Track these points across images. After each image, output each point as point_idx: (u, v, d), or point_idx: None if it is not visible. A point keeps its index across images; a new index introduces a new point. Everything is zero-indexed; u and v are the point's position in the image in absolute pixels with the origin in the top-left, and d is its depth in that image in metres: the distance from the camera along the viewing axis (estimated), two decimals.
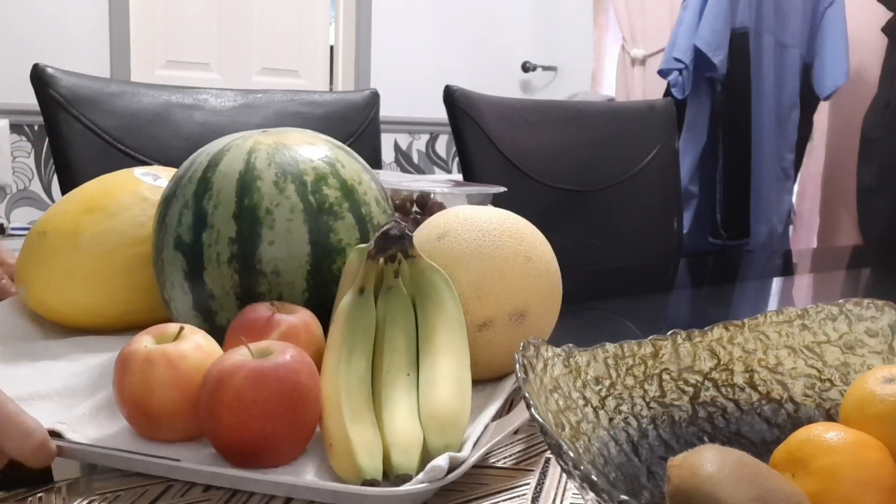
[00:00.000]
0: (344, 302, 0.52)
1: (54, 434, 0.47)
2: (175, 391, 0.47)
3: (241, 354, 0.47)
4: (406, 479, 0.44)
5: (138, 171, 0.71)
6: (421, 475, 0.43)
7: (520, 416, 0.51)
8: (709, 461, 0.34)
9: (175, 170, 0.73)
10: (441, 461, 0.44)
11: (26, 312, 0.69)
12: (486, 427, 0.52)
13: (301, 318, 0.54)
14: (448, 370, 0.51)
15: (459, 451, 0.46)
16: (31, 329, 0.67)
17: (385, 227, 0.53)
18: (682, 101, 2.23)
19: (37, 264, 0.65)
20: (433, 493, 0.45)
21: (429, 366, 0.51)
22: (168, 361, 0.47)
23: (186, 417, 0.48)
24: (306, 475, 0.46)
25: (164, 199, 0.61)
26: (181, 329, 0.50)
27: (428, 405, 0.49)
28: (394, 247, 0.54)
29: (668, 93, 2.26)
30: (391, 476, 0.45)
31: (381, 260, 0.54)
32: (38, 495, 0.45)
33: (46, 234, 0.66)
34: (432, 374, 0.50)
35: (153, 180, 0.70)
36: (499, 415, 0.56)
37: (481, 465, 0.50)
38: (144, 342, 0.49)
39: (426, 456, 0.46)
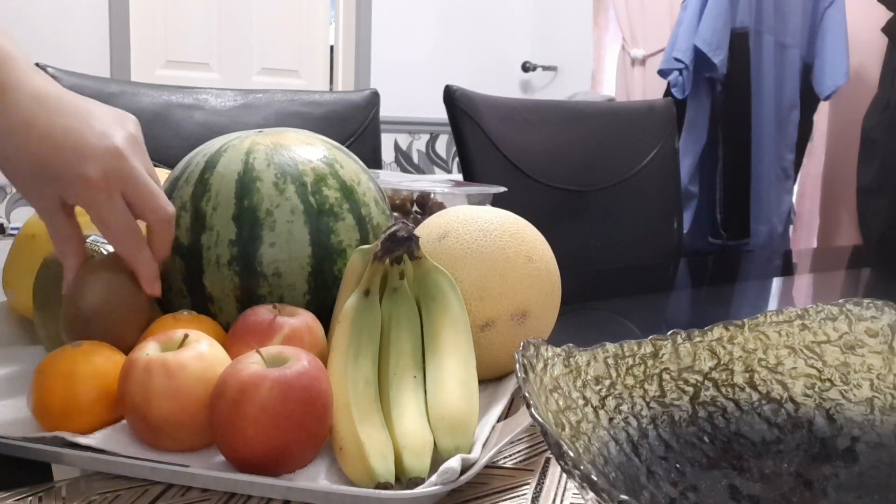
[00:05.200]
0: (349, 303, 0.52)
1: (58, 439, 0.47)
2: (173, 402, 0.46)
3: (254, 362, 0.46)
4: (418, 481, 0.44)
5: None
6: (434, 478, 0.43)
7: (526, 415, 0.51)
8: None
9: (165, 170, 0.73)
10: (453, 463, 0.44)
11: (14, 317, 0.69)
12: (493, 427, 0.52)
13: (304, 320, 0.54)
14: (455, 372, 0.51)
15: (469, 452, 0.46)
16: (19, 334, 0.67)
17: (392, 229, 0.53)
18: (682, 101, 2.23)
19: (26, 268, 0.64)
20: (446, 495, 0.45)
21: (435, 367, 0.51)
22: (167, 372, 0.46)
23: (186, 429, 0.47)
24: (318, 479, 0.46)
25: None
26: (185, 336, 0.49)
27: (437, 407, 0.48)
28: (401, 248, 0.53)
29: (668, 93, 2.26)
30: (403, 479, 0.45)
31: (388, 261, 0.53)
32: (38, 495, 0.45)
33: (35, 237, 0.65)
34: (439, 376, 0.50)
35: None
36: (504, 415, 0.56)
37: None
38: (148, 349, 0.48)
39: (436, 458, 0.46)
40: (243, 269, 0.56)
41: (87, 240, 0.60)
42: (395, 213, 0.84)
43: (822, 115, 2.49)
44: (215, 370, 0.47)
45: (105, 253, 0.59)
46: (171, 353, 0.48)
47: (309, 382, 0.45)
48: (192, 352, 0.48)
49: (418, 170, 3.42)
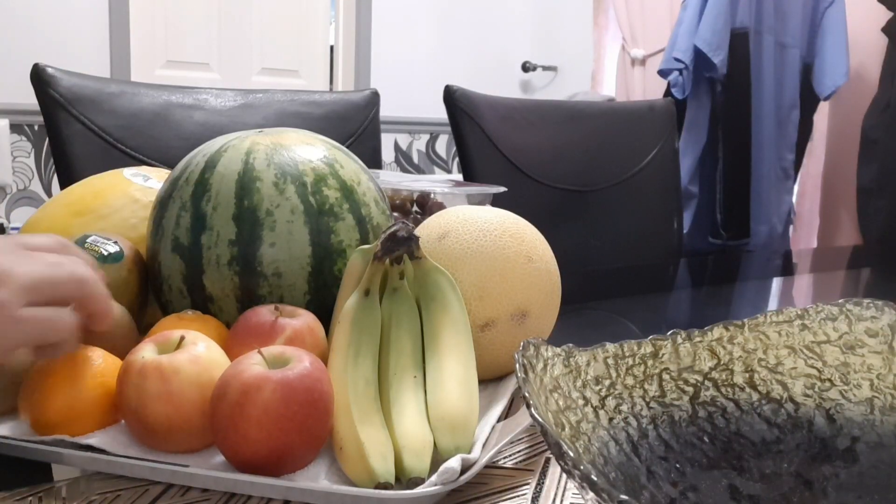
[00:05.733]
0: (349, 303, 0.52)
1: (58, 439, 0.47)
2: (168, 406, 0.46)
3: (255, 363, 0.46)
4: (418, 481, 0.44)
5: (128, 171, 0.71)
6: (434, 477, 0.43)
7: (526, 416, 0.51)
8: None
9: (165, 170, 0.73)
10: (454, 463, 0.44)
11: None
12: (493, 427, 0.52)
13: (305, 321, 0.53)
14: (455, 371, 0.51)
15: (469, 452, 0.46)
16: None
17: (393, 229, 0.53)
18: (682, 101, 2.23)
19: None
20: (446, 495, 0.45)
21: (435, 367, 0.51)
22: (161, 375, 0.46)
23: (181, 432, 0.47)
24: (318, 479, 0.46)
25: (159, 201, 0.60)
26: (182, 338, 0.49)
27: (437, 407, 0.48)
28: (401, 248, 0.53)
29: (668, 93, 2.26)
30: (403, 479, 0.45)
31: (388, 261, 0.53)
32: (38, 495, 0.45)
33: None
34: (439, 376, 0.50)
35: (144, 181, 0.69)
36: (504, 415, 0.56)
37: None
38: (144, 351, 0.48)
39: (436, 458, 0.46)
40: (243, 269, 0.56)
41: (88, 240, 0.60)
42: (395, 213, 0.84)
43: (822, 115, 2.49)
44: (211, 373, 0.47)
45: (105, 254, 0.59)
46: (167, 356, 0.47)
47: (311, 384, 0.45)
48: (187, 355, 0.47)
49: (418, 170, 3.42)
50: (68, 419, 0.48)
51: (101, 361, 0.49)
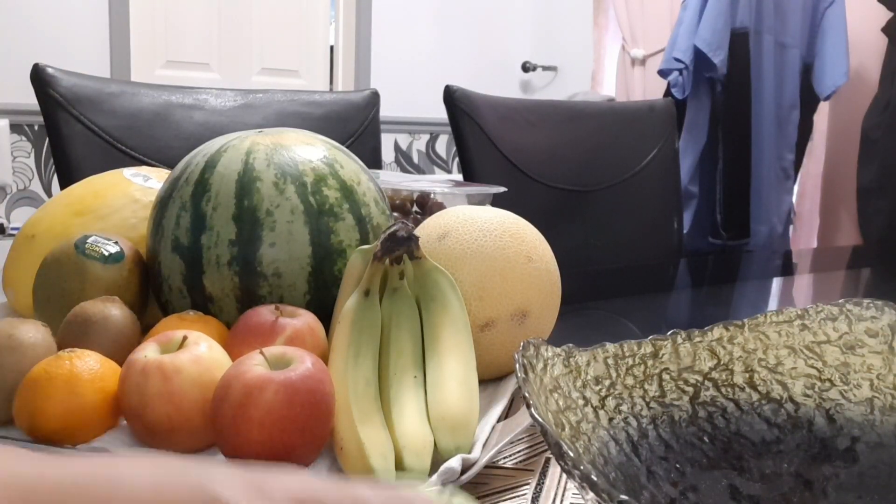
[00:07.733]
0: (349, 303, 0.52)
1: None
2: (169, 405, 0.46)
3: (256, 363, 0.45)
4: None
5: (128, 171, 0.71)
6: (434, 477, 0.43)
7: (526, 415, 0.51)
8: None
9: (165, 170, 0.73)
10: (454, 463, 0.44)
11: (14, 317, 0.69)
12: (493, 427, 0.52)
13: (305, 321, 0.53)
14: (455, 371, 0.51)
15: (470, 452, 0.46)
16: None
17: (392, 229, 0.53)
18: (682, 101, 2.23)
19: (25, 268, 0.64)
20: None
21: (435, 367, 0.51)
22: (163, 375, 0.46)
23: (182, 432, 0.46)
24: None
25: (159, 201, 0.60)
26: (184, 338, 0.49)
27: (437, 406, 0.48)
28: (400, 248, 0.53)
29: (668, 93, 2.26)
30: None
31: (387, 261, 0.53)
32: None
33: (35, 237, 0.65)
34: (439, 376, 0.50)
35: (144, 181, 0.69)
36: (504, 415, 0.56)
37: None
38: (147, 351, 0.48)
39: (436, 458, 0.46)
40: (243, 269, 0.56)
41: (88, 240, 0.60)
42: (395, 213, 0.84)
43: (822, 115, 2.49)
44: (212, 373, 0.47)
45: (105, 254, 0.59)
46: (169, 355, 0.47)
47: (314, 385, 0.45)
48: (189, 355, 0.47)
49: (418, 170, 3.42)
50: (67, 429, 0.47)
51: (99, 367, 0.49)
